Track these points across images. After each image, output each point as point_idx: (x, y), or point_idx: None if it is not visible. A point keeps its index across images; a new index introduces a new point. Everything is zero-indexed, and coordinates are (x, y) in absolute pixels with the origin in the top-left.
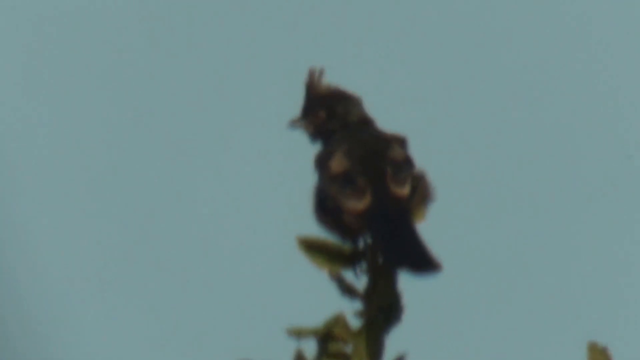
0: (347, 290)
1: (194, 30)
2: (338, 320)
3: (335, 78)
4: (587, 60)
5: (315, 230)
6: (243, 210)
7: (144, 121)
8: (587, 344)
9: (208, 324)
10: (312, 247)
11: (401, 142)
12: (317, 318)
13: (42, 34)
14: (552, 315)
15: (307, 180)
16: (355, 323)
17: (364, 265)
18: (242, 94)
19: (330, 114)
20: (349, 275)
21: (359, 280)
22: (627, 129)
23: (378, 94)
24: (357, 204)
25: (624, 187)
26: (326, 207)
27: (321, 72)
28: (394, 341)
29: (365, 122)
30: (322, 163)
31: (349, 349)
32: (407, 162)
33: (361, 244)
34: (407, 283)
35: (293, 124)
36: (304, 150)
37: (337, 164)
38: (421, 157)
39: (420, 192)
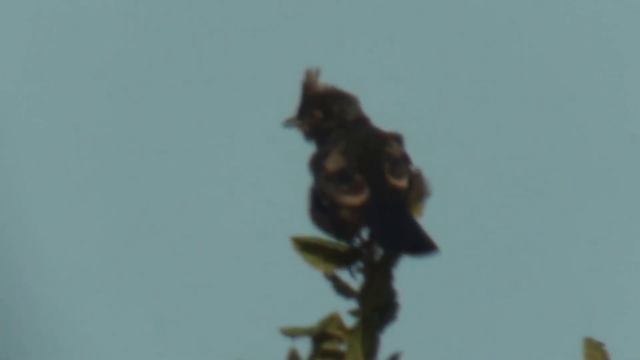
0: (342, 289)
1: (191, 29)
2: (333, 320)
3: (331, 78)
4: (583, 55)
5: (310, 230)
6: (238, 210)
7: (139, 119)
8: (584, 340)
9: (203, 323)
10: (306, 247)
11: (397, 139)
12: (311, 317)
13: (36, 34)
14: (548, 311)
15: (302, 180)
16: (350, 322)
17: (359, 264)
18: (237, 93)
19: (326, 113)
20: (343, 275)
21: (354, 279)
22: (624, 123)
23: (374, 93)
24: (354, 199)
25: (622, 182)
26: (322, 207)
27: (317, 72)
28: (389, 340)
29: (362, 122)
30: (317, 163)
31: (343, 348)
32: (404, 159)
33: (357, 243)
34: (403, 281)
35: (288, 123)
36: (299, 150)
37: (333, 163)
38: (417, 155)
39: (417, 188)
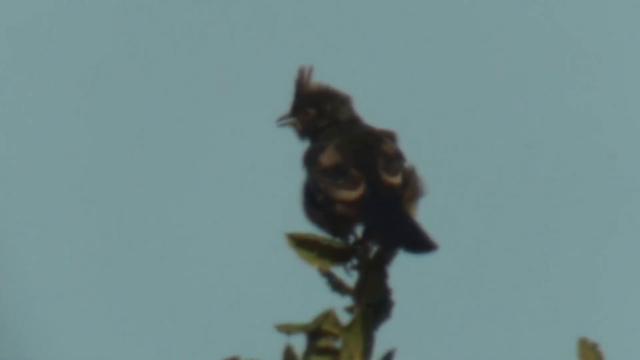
0: (337, 286)
1: (185, 27)
2: (328, 316)
3: (325, 77)
4: (574, 60)
5: (305, 227)
6: (232, 207)
7: (131, 116)
8: (578, 340)
9: (197, 320)
10: (301, 244)
11: (391, 137)
12: (307, 314)
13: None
14: (543, 311)
15: (296, 176)
16: (345, 319)
17: (354, 261)
18: (231, 91)
19: (319, 111)
20: (339, 271)
21: (349, 276)
22: (611, 129)
23: (367, 92)
24: (350, 194)
25: (613, 183)
26: (316, 202)
27: (311, 71)
28: (384, 337)
29: (354, 121)
30: (311, 158)
31: (339, 344)
32: (398, 156)
33: (351, 239)
34: (398, 278)
35: (281, 121)
36: (293, 147)
37: (328, 157)
38: (411, 152)
39: (412, 185)
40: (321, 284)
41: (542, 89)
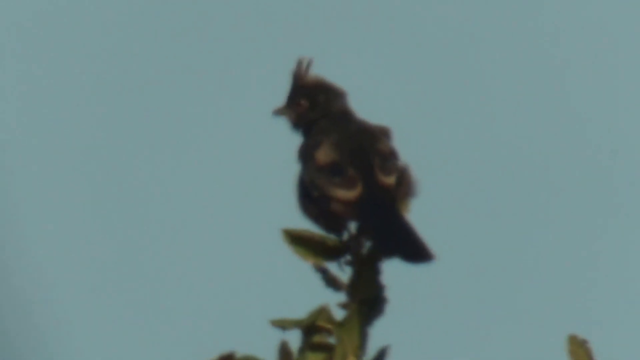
0: (331, 282)
1: (186, 23)
2: (322, 312)
3: (329, 72)
4: (571, 59)
5: (300, 222)
6: (227, 202)
7: (124, 107)
8: (567, 336)
9: (192, 316)
10: (296, 239)
11: (386, 133)
12: (301, 310)
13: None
14: (533, 308)
15: (291, 170)
16: (339, 315)
17: (348, 257)
18: (224, 84)
19: (312, 103)
20: (333, 267)
21: (343, 272)
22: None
23: (368, 89)
24: (347, 193)
25: (607, 180)
26: (311, 198)
27: (309, 63)
28: (378, 333)
29: (346, 114)
30: (307, 154)
31: (333, 340)
32: (393, 155)
33: (346, 235)
34: (392, 275)
35: (277, 112)
36: (287, 139)
37: (324, 154)
38: (405, 149)
39: (405, 184)
40: (315, 279)
41: (539, 84)
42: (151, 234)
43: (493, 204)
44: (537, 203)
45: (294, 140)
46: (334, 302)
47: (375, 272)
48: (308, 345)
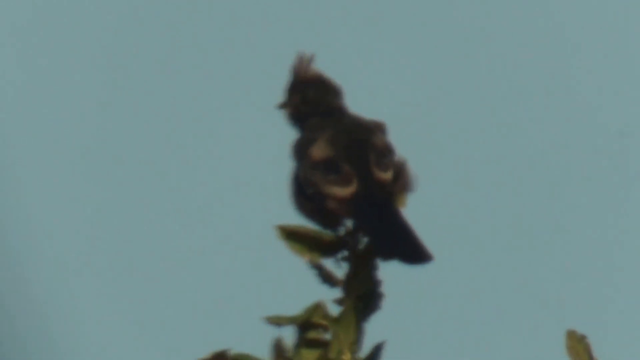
0: (326, 278)
1: (187, 20)
2: (317, 308)
3: (335, 69)
4: (572, 54)
5: (295, 218)
6: (221, 198)
7: (119, 100)
8: (566, 332)
9: (187, 313)
10: (291, 235)
11: (381, 128)
12: (296, 306)
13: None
14: (531, 303)
15: (286, 166)
16: (334, 311)
17: (344, 253)
18: (217, 79)
19: (303, 98)
20: (328, 263)
21: (339, 268)
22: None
23: (365, 83)
24: (342, 190)
25: (605, 177)
26: (306, 194)
27: (310, 58)
28: (374, 329)
29: (338, 111)
30: (301, 150)
31: (328, 336)
32: (389, 150)
33: (341, 231)
34: (387, 271)
35: (277, 106)
36: (282, 136)
37: (319, 150)
38: (400, 145)
39: (402, 179)
40: (311, 275)
41: (534, 77)
42: (144, 230)
43: (490, 199)
44: (535, 198)
45: (290, 135)
46: (330, 298)
47: (371, 268)
48: (303, 341)
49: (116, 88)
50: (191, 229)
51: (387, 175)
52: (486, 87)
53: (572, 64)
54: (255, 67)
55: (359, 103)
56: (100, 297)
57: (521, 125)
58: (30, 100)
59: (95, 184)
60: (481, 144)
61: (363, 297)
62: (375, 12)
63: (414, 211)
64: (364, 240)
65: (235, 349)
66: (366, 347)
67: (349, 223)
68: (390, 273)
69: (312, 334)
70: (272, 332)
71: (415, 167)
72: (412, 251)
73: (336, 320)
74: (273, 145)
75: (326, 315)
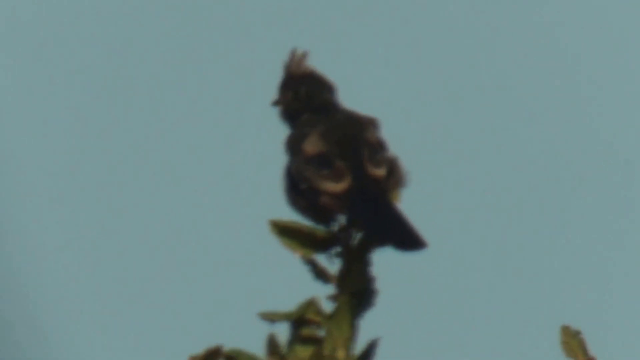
0: (320, 274)
1: (187, 19)
2: (311, 305)
3: (328, 65)
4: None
5: (288, 213)
6: (214, 194)
7: (114, 99)
8: (560, 327)
9: (180, 309)
10: (284, 231)
11: (373, 124)
12: (290, 302)
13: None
14: (526, 298)
15: (279, 162)
16: (328, 307)
17: (337, 248)
18: (211, 75)
19: (294, 94)
20: (322, 259)
21: (332, 264)
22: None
23: (359, 79)
24: (335, 186)
25: (601, 174)
26: (299, 189)
27: (304, 54)
28: (368, 325)
29: (331, 107)
30: (294, 145)
31: (322, 333)
32: (381, 145)
33: (335, 227)
34: (381, 267)
35: (271, 103)
36: (277, 131)
37: (311, 145)
38: (393, 140)
39: (395, 174)
40: (304, 271)
41: (527, 70)
42: (137, 227)
43: (484, 194)
44: (528, 192)
45: (283, 131)
46: (323, 294)
47: (364, 264)
48: (297, 338)
49: (104, 78)
50: (185, 225)
51: (380, 171)
52: (476, 82)
53: (572, 64)
54: (248, 64)
55: (351, 99)
56: (93, 294)
57: (512, 119)
58: (30, 101)
59: (88, 181)
60: (473, 137)
61: (357, 293)
62: (366, 9)
63: (406, 206)
64: (357, 236)
65: (228, 345)
66: (360, 344)
67: (342, 219)
68: (384, 269)
69: (306, 331)
70: (265, 329)
71: (406, 163)
72: (405, 237)
73: (330, 317)
74: (266, 141)
75: (320, 312)
